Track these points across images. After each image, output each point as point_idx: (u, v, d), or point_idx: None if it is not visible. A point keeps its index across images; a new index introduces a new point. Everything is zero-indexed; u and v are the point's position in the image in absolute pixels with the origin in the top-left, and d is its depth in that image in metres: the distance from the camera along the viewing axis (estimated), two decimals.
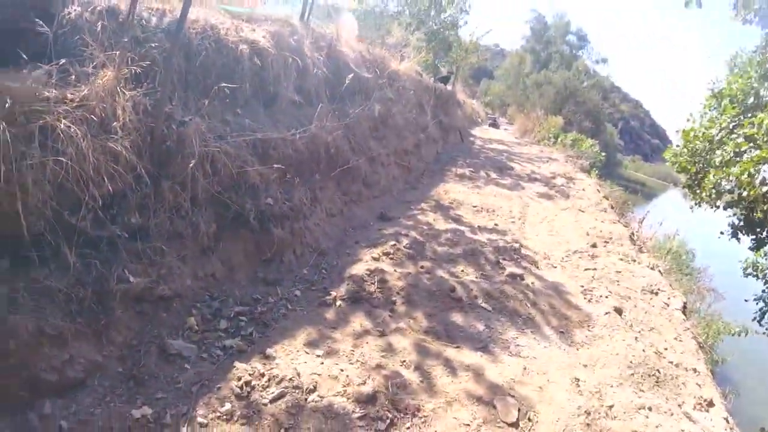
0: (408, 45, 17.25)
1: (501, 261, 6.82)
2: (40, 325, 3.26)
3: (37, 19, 4.02)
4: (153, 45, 4.69)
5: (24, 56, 3.77)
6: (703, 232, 14.94)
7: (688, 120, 10.90)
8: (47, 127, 3.49)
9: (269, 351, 4.13)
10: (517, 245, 7.59)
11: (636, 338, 5.52)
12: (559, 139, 26.00)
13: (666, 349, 5.61)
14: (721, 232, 10.25)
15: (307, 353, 4.21)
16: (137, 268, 4.06)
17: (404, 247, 6.61)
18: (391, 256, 6.30)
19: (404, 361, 4.33)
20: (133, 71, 4.24)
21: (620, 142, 64.30)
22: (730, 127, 9.40)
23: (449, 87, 21.98)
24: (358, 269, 5.79)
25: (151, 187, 4.32)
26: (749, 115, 9.02)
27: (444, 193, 10.67)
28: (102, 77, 4.03)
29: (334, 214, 7.32)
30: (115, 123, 4.00)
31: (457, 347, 4.71)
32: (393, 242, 6.68)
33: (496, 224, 8.85)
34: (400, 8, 20.95)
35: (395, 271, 5.87)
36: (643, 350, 5.26)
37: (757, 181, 7.77)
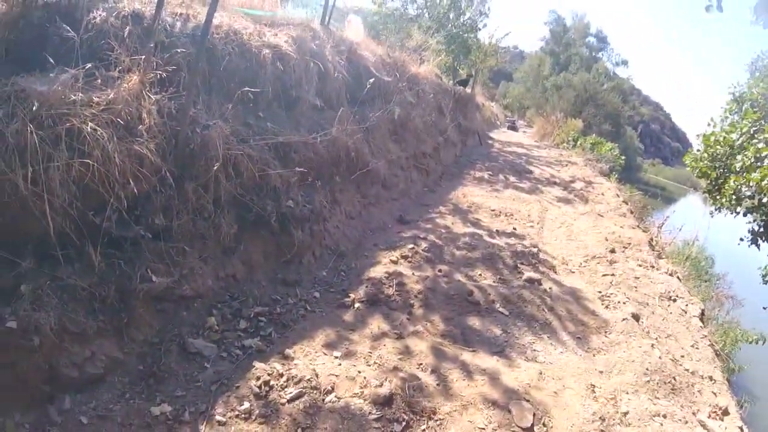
0: (427, 48, 17.23)
1: (519, 265, 6.79)
2: (63, 322, 3.35)
3: (63, 24, 4.12)
4: (178, 50, 4.76)
5: (51, 60, 3.84)
6: (723, 237, 14.73)
7: (708, 124, 10.83)
8: (74, 129, 3.56)
9: (288, 351, 4.19)
10: (535, 250, 7.57)
11: (653, 345, 5.48)
12: (579, 143, 25.83)
13: (683, 356, 5.58)
14: (741, 239, 10.11)
15: (326, 354, 4.26)
16: (160, 267, 4.14)
17: (422, 250, 6.64)
18: (409, 259, 6.34)
19: (421, 364, 4.36)
20: (158, 76, 4.32)
21: (640, 146, 63.66)
22: (751, 131, 9.29)
23: (468, 90, 21.94)
24: (377, 272, 5.83)
25: (174, 189, 4.38)
26: None
27: (462, 196, 10.67)
28: (128, 81, 4.11)
29: (353, 217, 7.37)
30: (140, 126, 4.07)
31: (474, 351, 4.72)
32: (411, 245, 6.72)
33: (514, 228, 8.83)
34: (419, 11, 21.01)
35: (413, 274, 5.90)
36: (660, 357, 5.23)
37: None
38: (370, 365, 4.19)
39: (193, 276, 4.47)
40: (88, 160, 3.55)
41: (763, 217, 9.17)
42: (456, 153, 15.79)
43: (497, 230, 8.43)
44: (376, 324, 4.87)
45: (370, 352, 4.38)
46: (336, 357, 4.23)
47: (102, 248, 3.72)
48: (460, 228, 8.24)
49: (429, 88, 13.34)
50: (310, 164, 6.23)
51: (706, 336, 6.33)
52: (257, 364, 3.94)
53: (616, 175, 18.96)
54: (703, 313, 7.12)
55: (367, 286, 5.45)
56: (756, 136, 8.99)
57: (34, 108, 3.45)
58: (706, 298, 10.14)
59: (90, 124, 3.63)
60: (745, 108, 9.81)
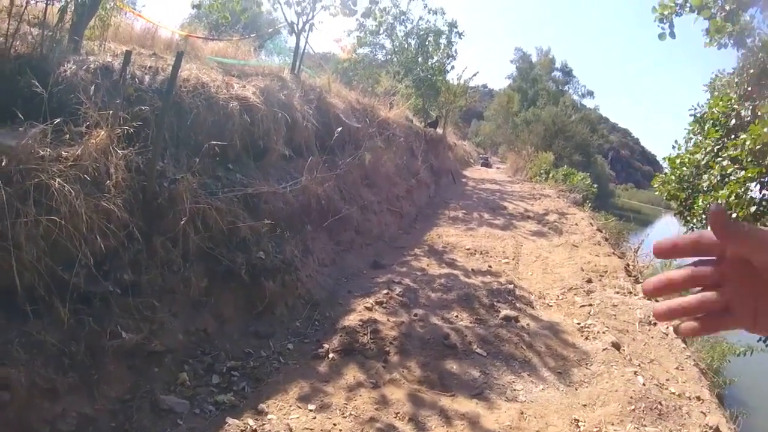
0: (397, 92, 17.59)
1: (495, 304, 6.78)
2: (33, 378, 3.27)
3: (33, 79, 4.13)
4: (145, 105, 4.82)
5: (20, 114, 3.88)
6: None
7: (673, 147, 11.03)
8: (42, 185, 3.58)
9: (261, 406, 4.10)
10: (511, 286, 7.57)
11: (636, 372, 5.46)
12: (551, 175, 26.26)
13: (668, 380, 5.57)
14: None
15: (300, 408, 4.17)
16: (129, 323, 4.07)
17: (397, 295, 6.59)
18: (384, 305, 6.26)
19: (398, 413, 4.28)
20: (126, 131, 4.34)
21: (611, 173, 65.17)
22: (715, 150, 9.45)
23: (439, 130, 22.33)
24: (351, 320, 5.73)
25: (143, 244, 4.37)
26: (732, 136, 9.07)
27: (437, 236, 10.71)
28: (95, 136, 4.15)
29: (326, 264, 7.33)
30: (108, 181, 4.09)
31: (452, 395, 4.66)
32: (386, 290, 6.66)
33: (489, 266, 8.84)
34: (388, 57, 21.54)
35: (388, 320, 5.83)
36: (644, 384, 5.21)
37: (746, 202, 7.80)
38: (345, 417, 4.11)
39: (163, 331, 4.39)
40: (56, 217, 3.55)
41: None
42: (429, 194, 15.97)
43: (473, 269, 8.44)
44: (352, 374, 4.78)
45: (346, 404, 4.30)
46: (311, 410, 4.15)
47: (71, 304, 3.67)
48: (436, 269, 8.25)
49: (399, 131, 13.58)
50: (281, 214, 6.25)
51: (690, 356, 6.32)
52: (230, 421, 3.83)
53: (590, 204, 19.16)
54: None
55: (341, 335, 5.36)
56: (720, 154, 9.12)
57: (3, 163, 3.48)
58: None
59: (58, 179, 3.65)
60: (707, 128, 10.02)
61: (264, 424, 3.84)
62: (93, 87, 4.50)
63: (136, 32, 8.12)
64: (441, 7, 22.55)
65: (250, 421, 3.85)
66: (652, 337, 6.58)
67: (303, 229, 6.95)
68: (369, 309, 6.08)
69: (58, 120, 3.96)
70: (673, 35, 6.59)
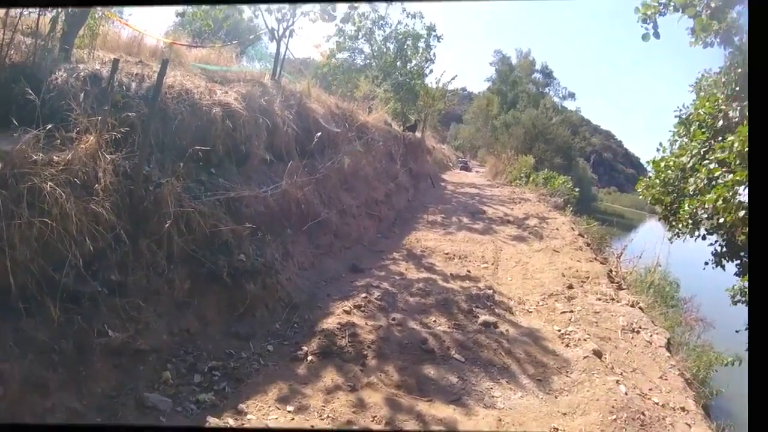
0: (375, 97, 17.66)
1: (474, 309, 6.80)
2: (25, 374, 3.39)
3: (26, 87, 4.26)
4: (132, 111, 4.94)
5: (14, 120, 4.01)
6: (688, 258, 14.54)
7: (658, 150, 10.66)
8: (35, 188, 3.72)
9: (241, 406, 4.19)
10: (490, 292, 7.58)
11: (617, 381, 5.41)
12: (531, 179, 26.11)
13: (651, 389, 5.54)
14: (706, 263, 9.96)
15: (278, 409, 4.26)
16: (116, 322, 4.21)
17: (375, 299, 6.63)
18: (362, 308, 6.27)
19: (375, 416, 4.34)
20: (114, 136, 4.49)
21: (594, 176, 65.17)
22: (702, 153, 9.03)
23: (418, 134, 22.42)
24: (330, 323, 5.76)
25: (129, 246, 4.51)
26: (720, 138, 8.67)
27: (416, 241, 10.74)
28: (85, 142, 4.30)
29: (306, 268, 7.42)
30: (96, 185, 4.24)
31: (430, 401, 4.69)
32: (364, 294, 6.69)
33: (468, 271, 8.89)
34: (367, 62, 21.62)
35: (366, 324, 5.85)
36: (626, 393, 5.16)
37: (734, 206, 7.63)
38: (323, 419, 4.20)
39: (148, 331, 4.52)
40: (48, 219, 3.69)
41: (724, 237, 9.10)
42: (408, 198, 16.09)
43: (451, 274, 8.48)
44: (329, 376, 4.84)
45: (324, 406, 4.37)
46: (289, 411, 4.24)
47: (61, 303, 3.79)
48: (414, 274, 8.31)
49: (378, 135, 13.70)
50: (261, 218, 6.38)
51: (674, 365, 6.29)
52: (211, 419, 3.94)
53: (571, 208, 18.87)
54: (669, 342, 7.09)
55: (319, 338, 5.41)
56: (707, 156, 8.67)
57: None
58: (674, 324, 9.99)
59: (50, 183, 3.81)
60: (693, 130, 9.73)
61: (243, 424, 3.94)
62: (83, 94, 4.65)
63: (123, 40, 8.24)
64: (419, 11, 22.51)
65: (230, 421, 3.97)
66: (635, 346, 6.58)
67: (283, 232, 7.05)
68: (347, 312, 6.13)
69: (50, 126, 4.11)
70: (657, 35, 6.45)
